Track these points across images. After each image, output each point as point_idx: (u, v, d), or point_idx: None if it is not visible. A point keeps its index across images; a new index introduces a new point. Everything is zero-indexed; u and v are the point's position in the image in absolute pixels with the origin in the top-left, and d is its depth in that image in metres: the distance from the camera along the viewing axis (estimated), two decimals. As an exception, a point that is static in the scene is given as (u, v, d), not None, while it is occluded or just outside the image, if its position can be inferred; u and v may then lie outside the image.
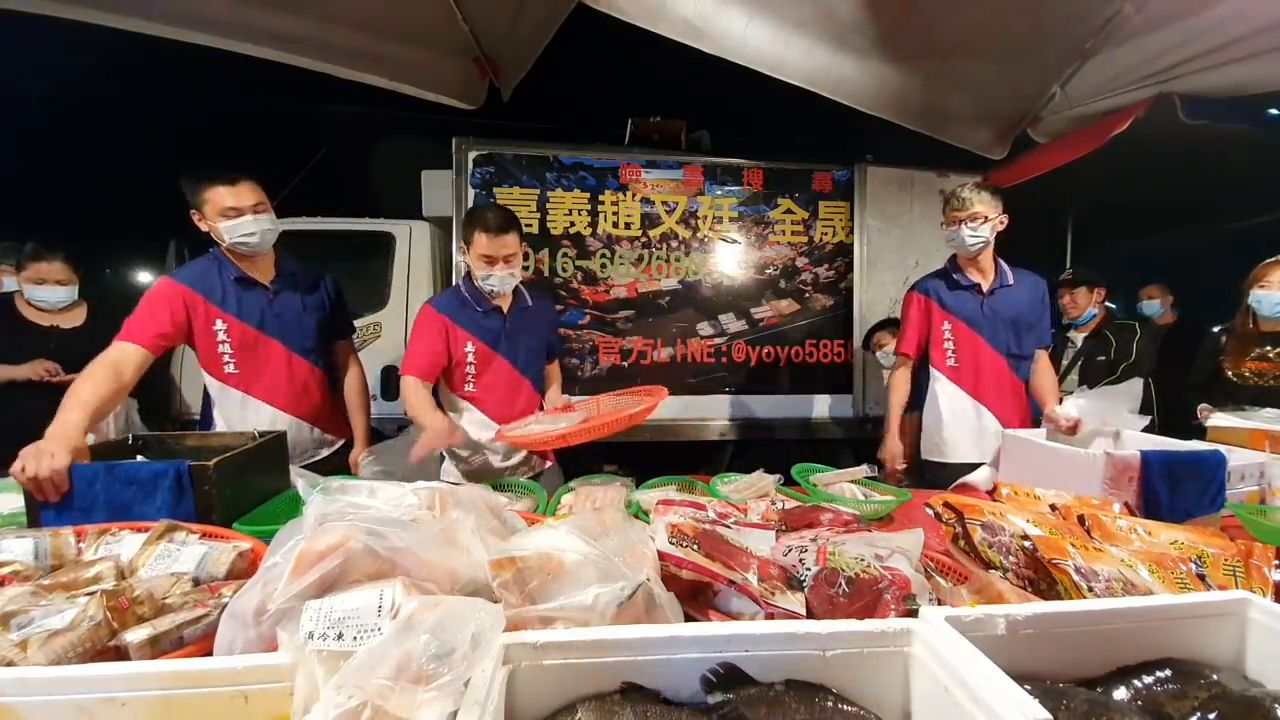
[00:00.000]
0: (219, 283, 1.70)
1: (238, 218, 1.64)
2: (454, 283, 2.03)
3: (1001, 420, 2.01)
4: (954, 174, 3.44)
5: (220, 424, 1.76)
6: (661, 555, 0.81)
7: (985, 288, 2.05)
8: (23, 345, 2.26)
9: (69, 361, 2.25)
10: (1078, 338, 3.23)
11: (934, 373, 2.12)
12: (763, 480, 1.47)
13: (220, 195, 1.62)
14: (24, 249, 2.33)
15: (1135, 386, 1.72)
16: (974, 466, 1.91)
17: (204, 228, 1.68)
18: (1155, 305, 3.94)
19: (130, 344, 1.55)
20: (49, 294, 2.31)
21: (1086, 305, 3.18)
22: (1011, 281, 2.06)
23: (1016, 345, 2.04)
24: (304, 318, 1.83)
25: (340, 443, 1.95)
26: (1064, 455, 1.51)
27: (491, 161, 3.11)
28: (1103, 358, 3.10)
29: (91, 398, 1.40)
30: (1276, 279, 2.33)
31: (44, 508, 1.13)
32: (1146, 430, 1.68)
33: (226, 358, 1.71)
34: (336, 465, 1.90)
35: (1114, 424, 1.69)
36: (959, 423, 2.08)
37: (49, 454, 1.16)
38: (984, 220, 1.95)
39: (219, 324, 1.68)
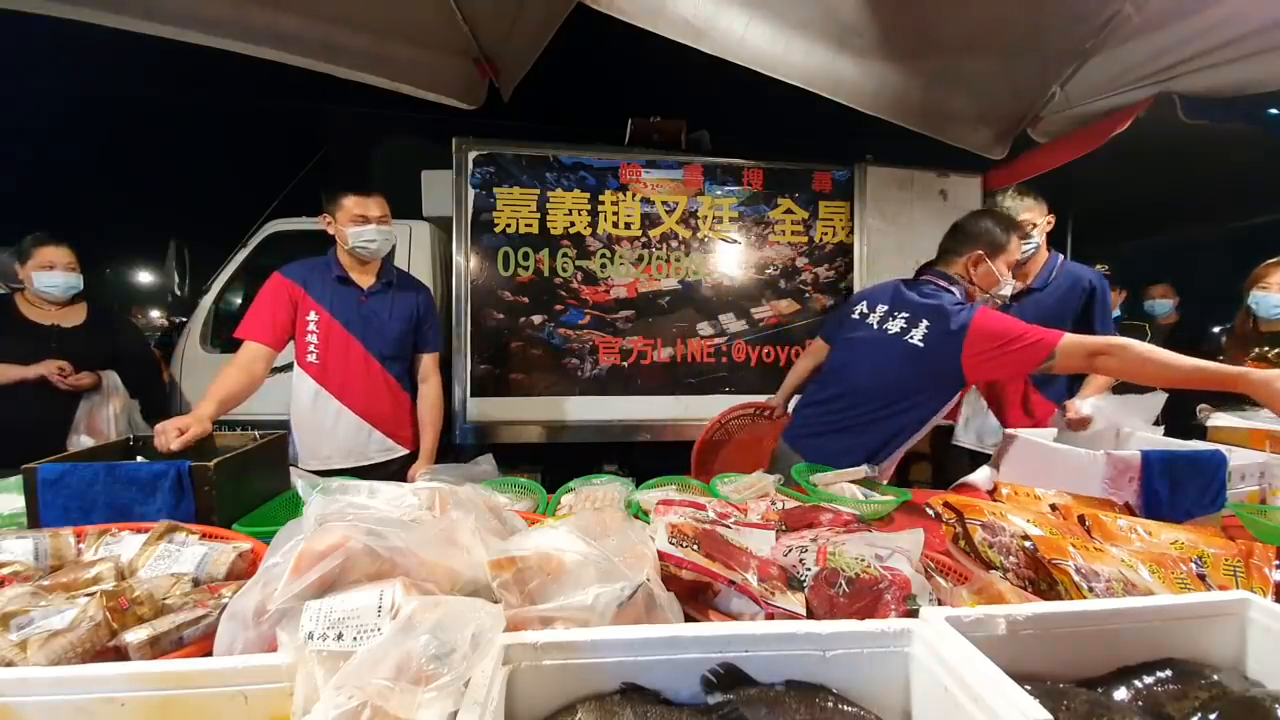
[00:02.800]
0: (320, 278, 1.86)
1: (364, 225, 1.83)
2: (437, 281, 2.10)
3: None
4: (954, 174, 3.44)
5: (294, 411, 1.88)
6: (661, 555, 0.81)
7: (1010, 293, 1.98)
8: (25, 345, 2.24)
9: (70, 361, 2.24)
10: None
11: None
12: (763, 480, 1.47)
13: (354, 203, 1.82)
14: (23, 241, 2.29)
15: (1155, 401, 1.67)
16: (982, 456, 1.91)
17: (330, 230, 1.88)
18: (1166, 305, 3.83)
19: (253, 343, 1.75)
20: (60, 279, 2.27)
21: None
22: (1040, 285, 2.00)
23: None
24: (389, 324, 1.92)
25: (403, 453, 1.99)
26: (1064, 455, 1.51)
27: (491, 161, 3.11)
28: None
29: (220, 390, 1.63)
30: (1276, 280, 2.33)
31: (45, 508, 1.13)
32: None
33: (311, 347, 1.83)
34: (392, 474, 1.92)
35: (1126, 427, 1.67)
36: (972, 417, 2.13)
37: (176, 428, 1.37)
38: (1033, 227, 1.96)
39: (312, 314, 1.83)
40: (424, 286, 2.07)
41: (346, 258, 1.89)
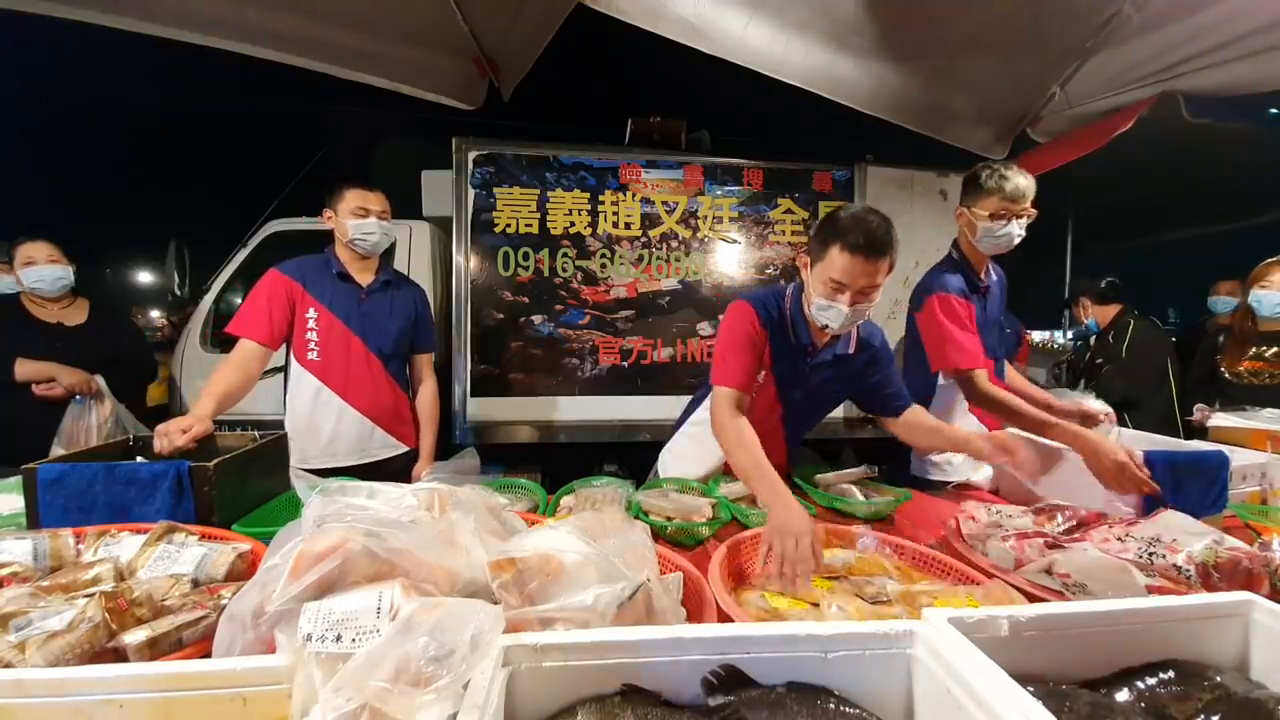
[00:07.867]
0: (319, 275, 1.87)
1: (365, 218, 1.85)
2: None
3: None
4: (954, 174, 3.44)
5: (291, 410, 1.88)
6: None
7: (983, 287, 1.85)
8: (32, 341, 2.26)
9: (74, 360, 2.25)
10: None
11: (946, 383, 1.84)
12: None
13: (356, 195, 1.84)
14: (7, 242, 2.33)
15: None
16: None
17: (330, 224, 1.89)
18: (1230, 302, 3.37)
19: (247, 340, 1.74)
20: (45, 272, 2.28)
21: (1106, 319, 3.13)
22: (994, 277, 1.89)
23: (1000, 348, 1.92)
24: (389, 322, 1.93)
25: (404, 450, 2.00)
26: (1065, 455, 1.51)
27: (491, 161, 3.11)
28: (1101, 359, 3.08)
29: (217, 389, 1.62)
30: (1277, 279, 2.33)
31: (45, 508, 1.13)
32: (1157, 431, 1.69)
33: (312, 344, 1.84)
34: (394, 471, 1.93)
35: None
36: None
37: (179, 428, 1.36)
38: (1030, 210, 1.68)
39: (311, 311, 1.83)
40: (420, 287, 2.08)
41: (346, 254, 1.90)
